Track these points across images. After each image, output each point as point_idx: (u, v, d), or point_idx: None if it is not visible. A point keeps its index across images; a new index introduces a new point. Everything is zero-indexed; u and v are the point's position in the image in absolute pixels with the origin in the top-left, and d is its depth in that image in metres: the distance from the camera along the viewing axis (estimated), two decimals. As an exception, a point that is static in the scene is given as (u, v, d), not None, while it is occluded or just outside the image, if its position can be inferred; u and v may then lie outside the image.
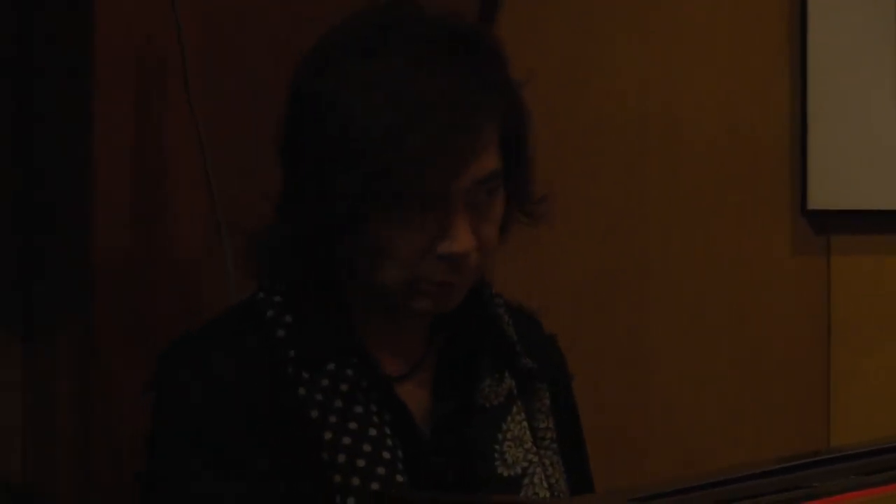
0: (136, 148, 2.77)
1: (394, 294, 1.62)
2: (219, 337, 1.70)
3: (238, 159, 2.70)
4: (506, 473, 1.67)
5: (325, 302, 1.66)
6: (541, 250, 2.72)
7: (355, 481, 1.60)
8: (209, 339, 1.71)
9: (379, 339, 1.68)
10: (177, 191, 2.77)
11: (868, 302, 2.68)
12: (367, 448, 1.61)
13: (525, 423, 1.71)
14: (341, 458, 1.60)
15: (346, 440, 1.61)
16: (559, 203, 2.61)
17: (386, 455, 1.62)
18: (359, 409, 1.63)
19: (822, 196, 2.63)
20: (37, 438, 2.72)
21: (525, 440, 1.70)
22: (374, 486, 1.60)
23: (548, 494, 1.70)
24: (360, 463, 1.60)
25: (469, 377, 1.70)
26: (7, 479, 2.60)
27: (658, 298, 2.72)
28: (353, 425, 1.62)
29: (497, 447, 1.67)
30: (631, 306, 2.72)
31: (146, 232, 2.77)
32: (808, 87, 2.63)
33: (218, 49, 2.73)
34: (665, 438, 2.71)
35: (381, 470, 1.61)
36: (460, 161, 1.56)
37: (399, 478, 1.62)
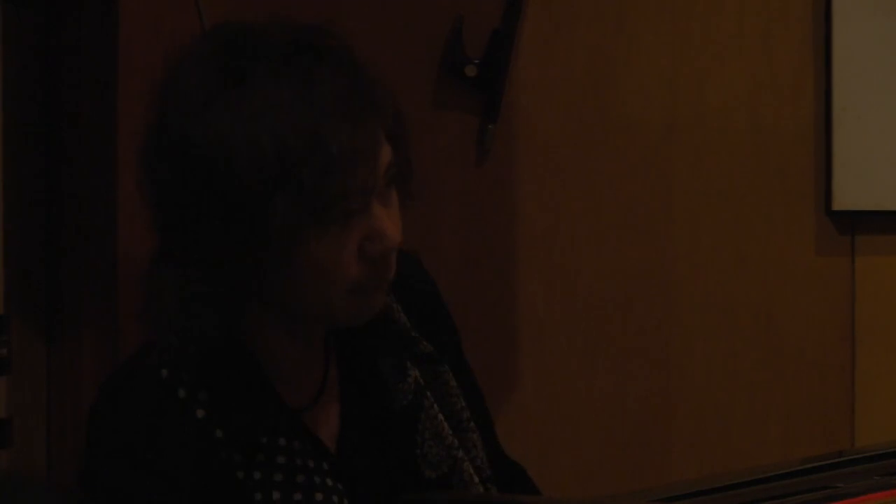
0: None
1: (333, 310, 1.55)
2: (138, 428, 1.58)
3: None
4: (433, 476, 1.64)
5: (234, 362, 1.59)
6: (566, 249, 2.72)
7: None
8: (129, 429, 1.58)
9: (283, 375, 1.62)
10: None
11: (893, 302, 2.67)
12: None
13: (440, 416, 1.67)
14: None
15: None
16: (586, 202, 2.62)
17: None
18: (300, 479, 1.58)
19: (846, 196, 2.62)
20: (60, 436, 2.73)
21: (445, 436, 1.66)
22: None
23: (480, 486, 1.68)
24: None
25: (373, 381, 1.66)
26: (31, 474, 2.60)
27: (683, 298, 2.72)
28: (298, 497, 1.58)
29: (418, 450, 1.64)
30: (656, 306, 2.72)
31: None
32: (833, 88, 2.63)
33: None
34: (689, 439, 2.71)
35: None
36: (373, 159, 1.50)
37: None
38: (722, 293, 2.71)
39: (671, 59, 2.70)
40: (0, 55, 2.56)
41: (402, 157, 1.59)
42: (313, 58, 1.50)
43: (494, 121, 2.69)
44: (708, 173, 2.70)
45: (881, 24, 2.63)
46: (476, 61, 2.65)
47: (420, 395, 1.67)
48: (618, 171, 2.75)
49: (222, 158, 1.44)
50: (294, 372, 1.62)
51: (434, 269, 1.81)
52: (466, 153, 2.68)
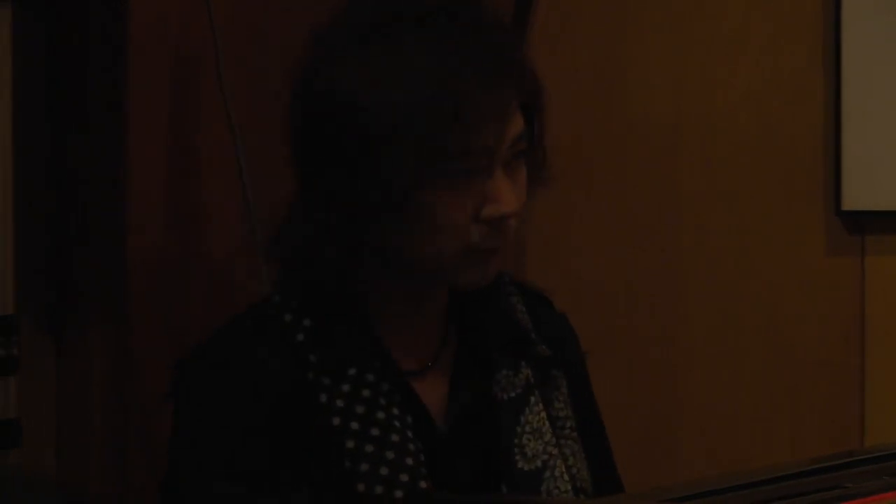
0: (171, 146, 2.78)
1: (446, 267, 1.59)
2: (236, 343, 1.68)
3: (272, 157, 2.71)
4: (526, 468, 1.66)
5: (343, 301, 1.65)
6: (574, 250, 2.72)
7: (379, 490, 1.59)
8: (226, 346, 1.69)
9: (397, 335, 1.67)
10: (210, 189, 2.78)
11: (903, 302, 2.67)
12: (390, 456, 1.60)
13: (543, 414, 1.70)
14: (364, 466, 1.59)
15: (369, 448, 1.60)
16: (591, 204, 2.62)
17: (409, 461, 1.61)
18: (381, 415, 1.61)
19: (856, 197, 2.62)
20: (69, 436, 2.73)
21: (544, 432, 1.68)
22: (398, 493, 1.59)
23: (569, 487, 1.69)
24: (384, 471, 1.59)
25: (485, 368, 1.69)
26: (39, 473, 2.61)
27: (692, 299, 2.72)
28: (375, 432, 1.61)
29: (517, 440, 1.66)
30: (665, 306, 2.72)
31: (180, 230, 2.78)
32: (842, 88, 2.62)
33: (252, 44, 2.74)
34: (698, 439, 2.70)
35: (404, 477, 1.60)
36: (502, 120, 1.55)
37: (423, 483, 1.61)
38: (731, 294, 2.70)
39: (679, 60, 2.70)
40: (10, 55, 2.56)
41: (535, 137, 1.63)
42: (452, 20, 1.56)
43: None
44: (715, 174, 2.70)
45: (891, 24, 2.62)
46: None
47: (528, 391, 1.70)
48: (624, 172, 2.75)
49: (356, 107, 1.53)
50: (407, 337, 1.67)
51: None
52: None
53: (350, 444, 1.60)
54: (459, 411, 1.68)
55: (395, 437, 1.61)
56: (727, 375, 2.68)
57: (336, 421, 1.60)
